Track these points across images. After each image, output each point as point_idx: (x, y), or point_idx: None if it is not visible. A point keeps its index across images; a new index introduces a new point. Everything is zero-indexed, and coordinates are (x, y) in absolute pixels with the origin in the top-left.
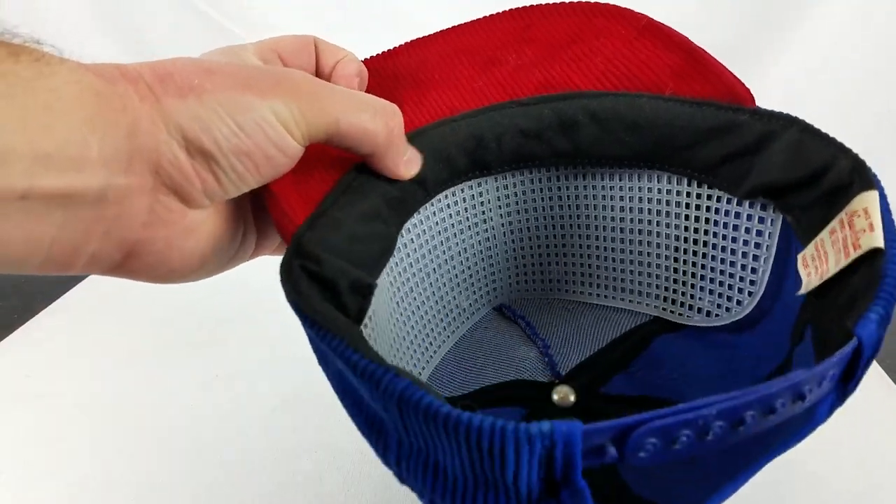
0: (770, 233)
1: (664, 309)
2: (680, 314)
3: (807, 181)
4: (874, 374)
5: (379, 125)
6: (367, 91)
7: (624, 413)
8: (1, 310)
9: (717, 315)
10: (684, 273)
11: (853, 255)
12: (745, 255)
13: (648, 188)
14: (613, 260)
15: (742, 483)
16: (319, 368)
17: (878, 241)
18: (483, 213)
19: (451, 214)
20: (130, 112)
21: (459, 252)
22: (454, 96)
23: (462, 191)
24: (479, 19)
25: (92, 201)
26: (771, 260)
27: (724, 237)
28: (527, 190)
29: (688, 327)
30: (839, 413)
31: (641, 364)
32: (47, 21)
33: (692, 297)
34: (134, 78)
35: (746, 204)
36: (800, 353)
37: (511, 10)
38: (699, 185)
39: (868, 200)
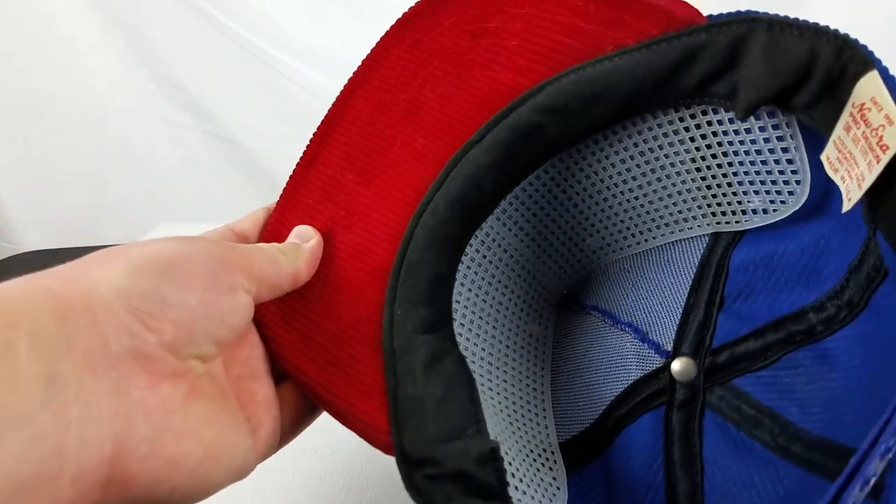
0: (790, 132)
1: (717, 223)
2: (738, 221)
3: (798, 81)
4: None
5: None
6: (319, 213)
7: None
8: None
9: (774, 210)
10: (718, 186)
11: (885, 157)
12: (772, 151)
13: (638, 131)
14: (641, 206)
15: None
16: None
17: None
18: (501, 246)
19: (476, 269)
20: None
21: (504, 292)
22: (403, 172)
23: (471, 245)
24: (369, 58)
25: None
26: (804, 150)
27: (743, 144)
28: (525, 200)
29: (754, 232)
30: None
31: (733, 292)
32: (51, 22)
33: (739, 202)
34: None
35: (752, 118)
36: (881, 243)
37: (391, 30)
38: (689, 108)
39: (871, 87)
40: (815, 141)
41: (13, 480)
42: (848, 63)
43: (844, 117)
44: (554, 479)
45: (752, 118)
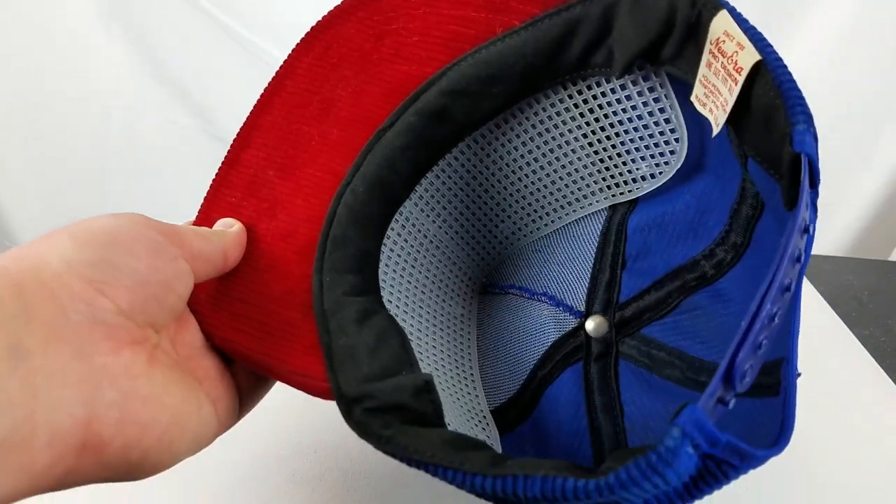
0: (664, 91)
1: (613, 195)
2: (630, 190)
3: (662, 33)
4: (874, 376)
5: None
6: (243, 207)
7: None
8: None
9: (661, 173)
10: (610, 158)
11: (741, 78)
12: (651, 114)
13: (535, 112)
14: (545, 187)
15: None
16: None
17: (754, 54)
18: (421, 232)
19: (399, 251)
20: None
21: (426, 275)
22: (321, 161)
23: (392, 228)
24: (282, 68)
25: None
26: (677, 107)
27: (625, 111)
28: (440, 186)
29: (646, 198)
30: (839, 412)
31: (633, 252)
32: (54, 21)
33: (629, 171)
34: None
35: (629, 80)
36: (753, 171)
37: (302, 42)
38: (576, 84)
39: (723, 23)
40: (688, 102)
41: None
42: (702, 9)
43: (706, 56)
44: (486, 438)
45: (629, 83)
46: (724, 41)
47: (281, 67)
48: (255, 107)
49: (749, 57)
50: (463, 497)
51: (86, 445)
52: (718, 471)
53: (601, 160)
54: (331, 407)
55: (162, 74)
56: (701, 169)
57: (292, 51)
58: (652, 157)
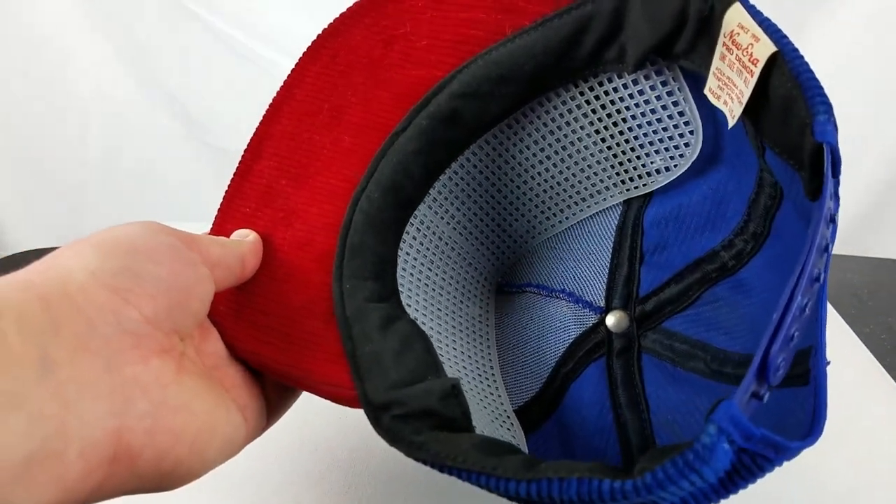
0: (677, 85)
1: (627, 189)
2: (645, 184)
3: (675, 28)
4: (874, 374)
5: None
6: (258, 217)
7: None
8: None
9: (675, 166)
10: (623, 153)
11: (756, 69)
12: (664, 107)
13: (546, 111)
14: (559, 184)
15: None
16: None
17: (769, 46)
18: (436, 234)
19: (415, 255)
20: None
21: (443, 276)
22: (335, 169)
23: (408, 232)
24: (290, 78)
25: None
26: (691, 99)
27: (638, 106)
28: (452, 188)
29: (661, 191)
30: (839, 412)
31: (650, 247)
32: (35, 25)
33: (643, 165)
34: None
35: (641, 75)
36: (771, 161)
37: (308, 52)
38: (587, 81)
39: (737, 15)
40: (702, 95)
41: (20, 457)
42: (715, 2)
43: (719, 48)
44: (512, 438)
45: (641, 77)
46: (738, 33)
47: (289, 77)
48: (264, 117)
49: (765, 48)
50: (468, 498)
51: (117, 456)
52: (753, 464)
53: (614, 155)
54: (330, 407)
55: (146, 78)
56: (716, 161)
57: (300, 59)
58: (666, 150)
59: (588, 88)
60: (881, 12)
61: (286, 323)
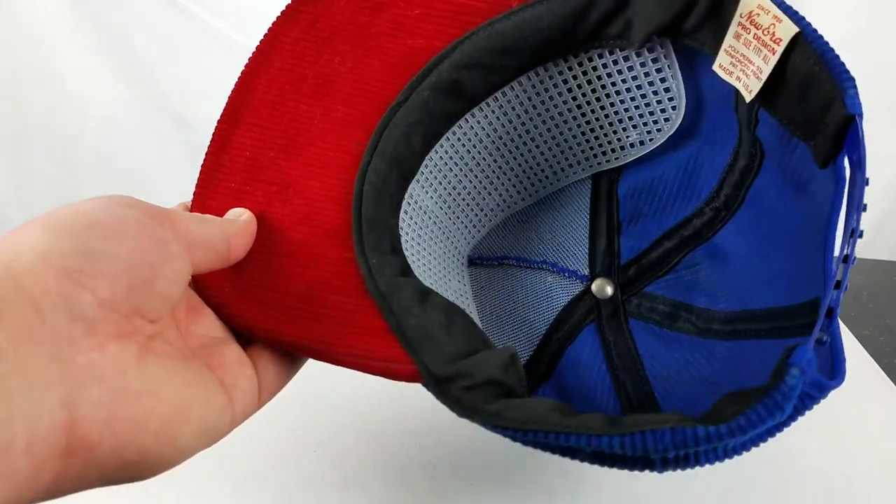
0: (667, 62)
1: (599, 164)
2: (616, 158)
3: (685, 8)
4: (873, 375)
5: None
6: (247, 192)
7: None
8: None
9: (651, 140)
10: (601, 127)
11: (780, 48)
12: (651, 83)
13: (532, 85)
14: (534, 158)
15: None
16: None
17: (792, 27)
18: (423, 209)
19: (408, 230)
20: None
21: (430, 251)
22: (332, 139)
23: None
24: (263, 43)
25: None
26: (679, 76)
27: (625, 82)
28: (437, 161)
29: (633, 165)
30: (839, 412)
31: (626, 217)
32: (31, 23)
33: (619, 140)
34: None
35: (633, 52)
36: (764, 133)
37: (283, 16)
38: (577, 57)
39: None
40: (689, 71)
41: None
42: None
43: (733, 27)
44: None
45: (633, 54)
46: (758, 14)
47: (262, 42)
48: (237, 85)
49: (787, 29)
50: (466, 497)
51: (71, 449)
52: (802, 404)
53: (591, 129)
54: (330, 405)
55: (139, 77)
56: (691, 135)
57: (274, 24)
58: (644, 124)
59: (577, 63)
60: None
61: (305, 300)
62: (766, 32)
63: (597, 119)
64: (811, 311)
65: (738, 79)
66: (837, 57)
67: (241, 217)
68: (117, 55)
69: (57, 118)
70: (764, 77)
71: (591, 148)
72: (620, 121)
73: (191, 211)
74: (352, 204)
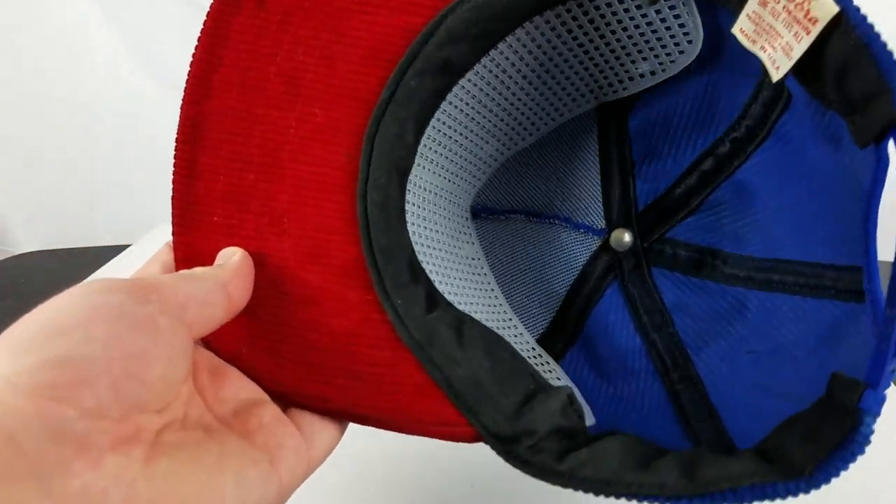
0: (687, 10)
1: (605, 94)
2: (625, 88)
3: None
4: None
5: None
6: (235, 227)
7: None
8: None
9: (663, 70)
10: (607, 62)
11: (815, 29)
12: (663, 20)
13: (527, 32)
14: (532, 100)
15: None
16: None
17: (832, 6)
18: (423, 187)
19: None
20: None
21: (438, 230)
22: (317, 153)
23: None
24: (205, 35)
25: None
26: (696, 13)
27: (633, 19)
28: (433, 134)
29: (643, 98)
30: None
31: (640, 157)
32: (46, 21)
33: (627, 72)
34: None
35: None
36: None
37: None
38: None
39: None
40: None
41: None
42: None
43: None
44: (550, 372)
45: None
46: None
47: (204, 34)
48: (187, 90)
49: (825, 9)
50: (467, 497)
51: None
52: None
53: (595, 65)
54: None
55: (158, 73)
56: (709, 63)
57: (211, 9)
58: (656, 56)
59: (577, 5)
60: None
61: (337, 357)
62: (799, 8)
63: (601, 55)
64: (853, 280)
65: (764, 49)
66: (885, 47)
67: (232, 258)
68: (137, 51)
69: (77, 115)
70: (795, 57)
71: (596, 81)
72: (629, 54)
73: (175, 257)
74: (359, 233)
